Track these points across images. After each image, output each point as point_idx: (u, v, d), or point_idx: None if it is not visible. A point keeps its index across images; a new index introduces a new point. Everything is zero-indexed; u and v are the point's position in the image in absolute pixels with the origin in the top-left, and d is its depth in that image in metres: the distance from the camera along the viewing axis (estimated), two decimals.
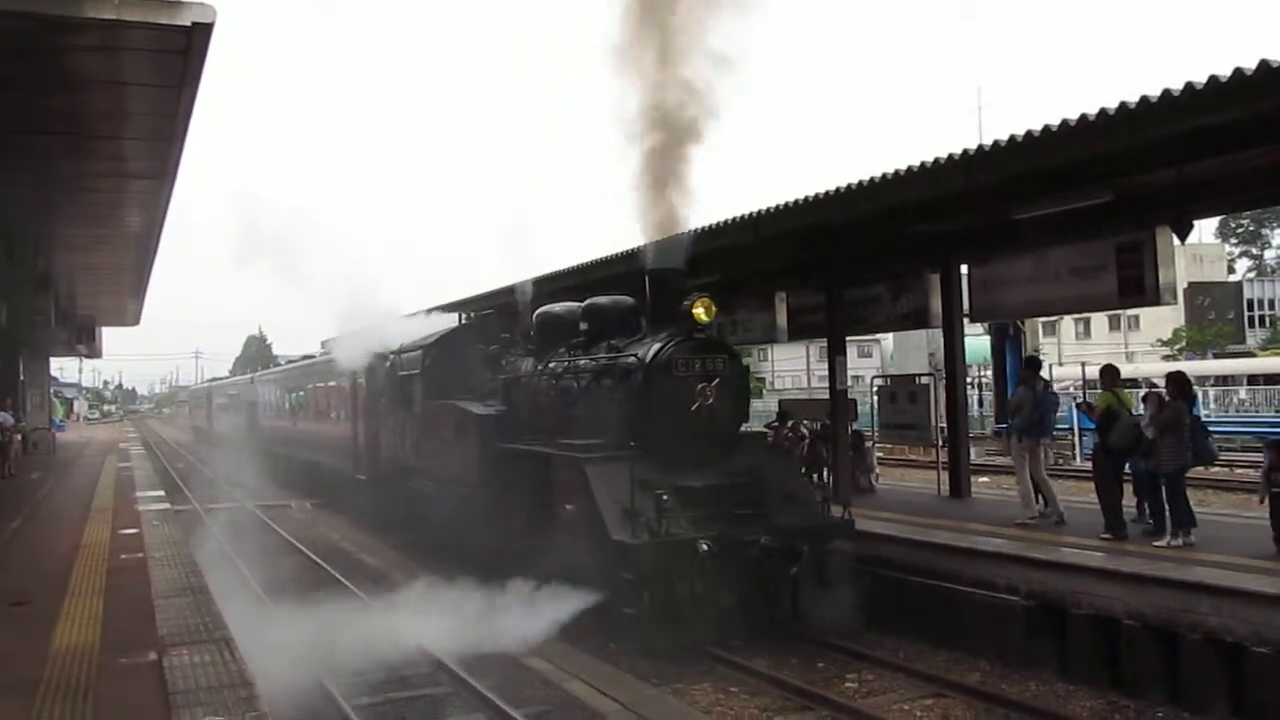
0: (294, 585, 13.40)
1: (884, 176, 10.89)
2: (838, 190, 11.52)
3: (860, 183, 11.21)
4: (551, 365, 13.40)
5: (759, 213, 12.76)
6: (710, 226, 13.35)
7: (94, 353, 42.47)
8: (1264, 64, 7.16)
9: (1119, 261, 11.98)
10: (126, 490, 18.25)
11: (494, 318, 16.69)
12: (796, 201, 12.12)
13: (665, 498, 9.91)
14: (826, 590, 10.13)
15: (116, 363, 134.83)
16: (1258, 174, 10.12)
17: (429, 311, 20.22)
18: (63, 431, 44.67)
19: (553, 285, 16.68)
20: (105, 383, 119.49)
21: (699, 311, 11.22)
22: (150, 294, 26.70)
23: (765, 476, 11.03)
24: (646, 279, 11.90)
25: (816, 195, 11.83)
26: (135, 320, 32.50)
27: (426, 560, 14.69)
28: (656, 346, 11.25)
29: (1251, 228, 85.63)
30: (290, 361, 33.91)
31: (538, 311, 14.63)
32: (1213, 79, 7.55)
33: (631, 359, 11.51)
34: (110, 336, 41.83)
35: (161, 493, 18.35)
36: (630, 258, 14.04)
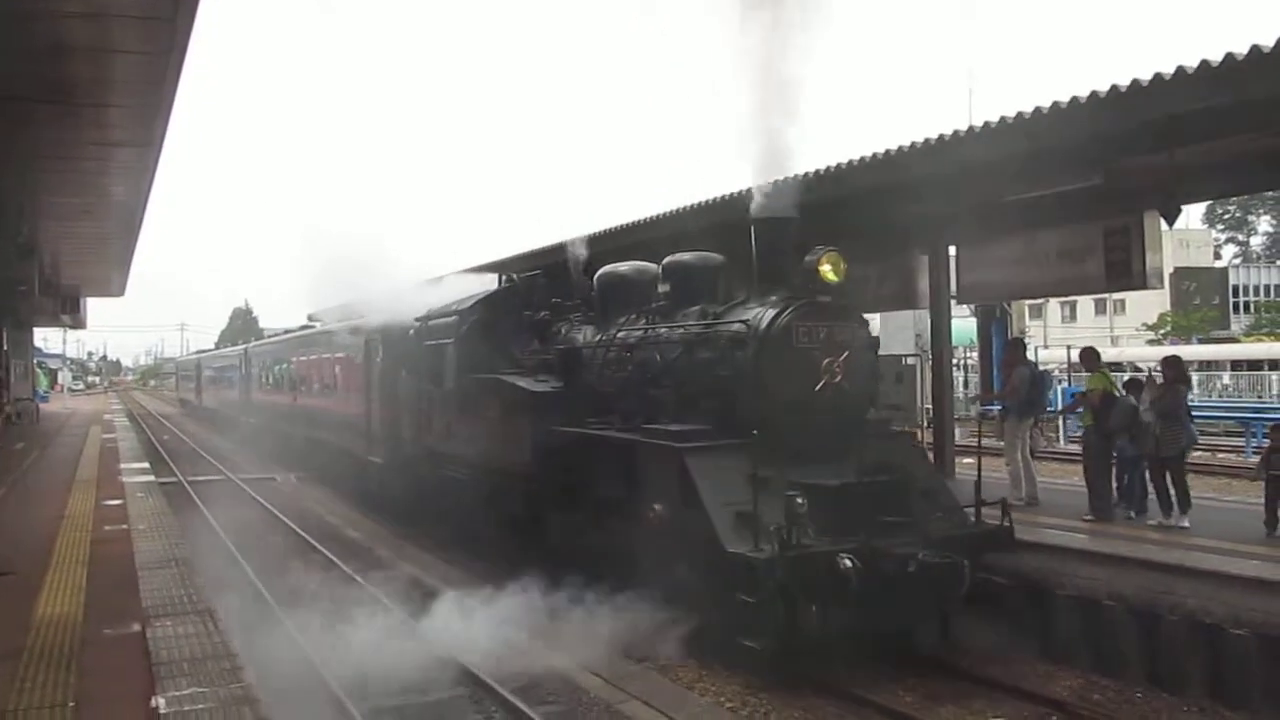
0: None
1: (874, 156, 10.90)
2: (828, 169, 11.51)
3: (850, 162, 11.21)
4: (620, 334, 11.41)
5: (747, 191, 12.71)
6: (700, 204, 13.33)
7: (78, 323, 42.26)
8: (1255, 49, 7.18)
9: (1106, 245, 12.04)
10: (110, 462, 18.21)
11: (541, 280, 14.48)
12: (786, 180, 12.07)
13: (800, 501, 8.01)
14: (968, 611, 8.76)
15: (101, 334, 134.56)
16: (1246, 159, 10.15)
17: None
18: (46, 403, 44.51)
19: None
20: (90, 354, 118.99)
21: (826, 269, 9.36)
22: (135, 265, 26.55)
23: (909, 474, 9.22)
24: (753, 229, 9.85)
25: (806, 174, 11.80)
26: (120, 291, 32.31)
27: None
28: (771, 312, 9.26)
29: (1238, 214, 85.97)
30: (289, 331, 31.63)
31: (601, 272, 12.56)
32: (1204, 63, 7.56)
33: (738, 326, 9.49)
34: (95, 307, 41.65)
35: (146, 464, 18.32)
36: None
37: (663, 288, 11.37)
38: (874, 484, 8.67)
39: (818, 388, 9.09)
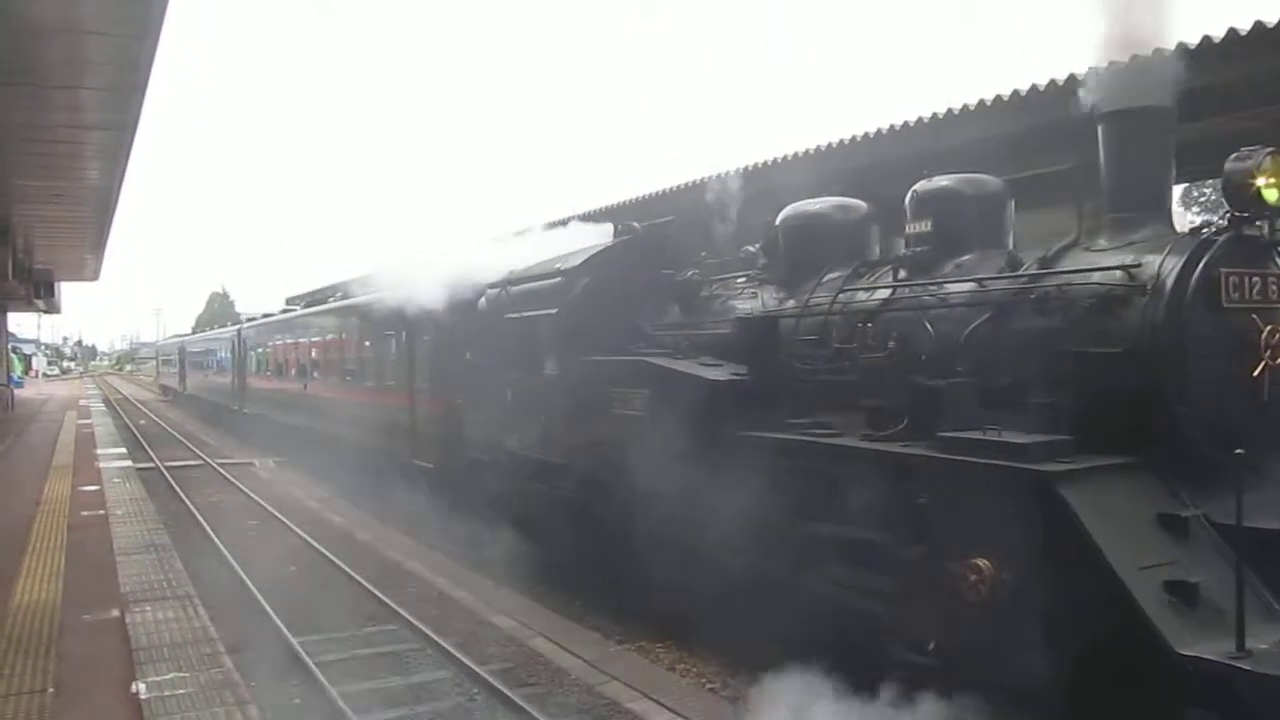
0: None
1: (852, 139, 10.91)
2: (805, 152, 11.52)
3: (829, 144, 11.23)
4: (841, 298, 8.02)
5: (709, 179, 12.73)
6: (674, 188, 13.25)
7: (53, 308, 41.92)
8: (1232, 31, 7.26)
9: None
10: (87, 447, 18.10)
11: (674, 228, 11.09)
12: (766, 162, 12.10)
13: None
14: None
15: (76, 319, 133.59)
16: (1221, 142, 10.20)
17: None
18: (21, 389, 44.16)
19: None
20: (65, 339, 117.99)
21: (1266, 183, 5.74)
22: (110, 251, 26.37)
23: None
24: (1100, 130, 6.68)
25: (784, 157, 11.82)
26: (95, 275, 32.06)
27: None
28: (1178, 257, 5.80)
29: (1214, 197, 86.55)
30: (286, 310, 27.92)
31: (787, 213, 9.13)
32: (1180, 45, 7.60)
33: (1115, 276, 6.04)
34: (70, 292, 41.37)
35: (123, 450, 18.23)
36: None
37: (915, 228, 7.84)
38: None
39: (1255, 373, 5.75)
